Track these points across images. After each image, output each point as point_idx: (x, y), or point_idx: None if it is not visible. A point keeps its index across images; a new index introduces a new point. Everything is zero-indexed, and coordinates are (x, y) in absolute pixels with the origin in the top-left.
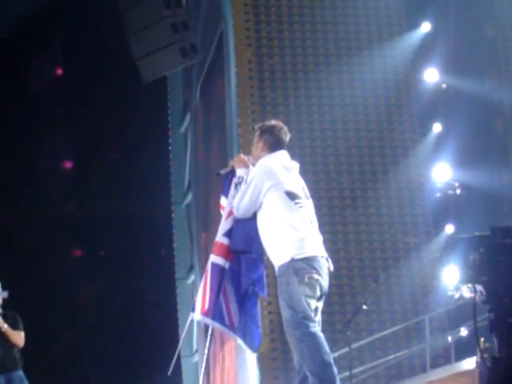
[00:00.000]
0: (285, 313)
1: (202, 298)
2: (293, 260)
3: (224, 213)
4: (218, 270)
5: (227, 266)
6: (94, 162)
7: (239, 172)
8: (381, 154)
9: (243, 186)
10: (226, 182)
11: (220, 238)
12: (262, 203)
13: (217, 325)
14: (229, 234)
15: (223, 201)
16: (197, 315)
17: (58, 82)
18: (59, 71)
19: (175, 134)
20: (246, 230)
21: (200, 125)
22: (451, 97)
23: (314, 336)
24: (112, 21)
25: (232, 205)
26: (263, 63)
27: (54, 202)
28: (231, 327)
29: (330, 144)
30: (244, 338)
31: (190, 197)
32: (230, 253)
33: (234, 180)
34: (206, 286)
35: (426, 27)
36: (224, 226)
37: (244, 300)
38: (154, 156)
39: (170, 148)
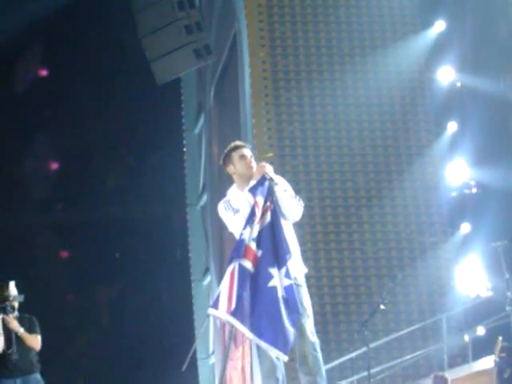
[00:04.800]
0: (310, 321)
1: (227, 297)
2: (305, 273)
3: (259, 213)
4: (245, 273)
5: (252, 270)
6: (108, 164)
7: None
8: (396, 153)
9: (292, 192)
10: (264, 182)
11: (250, 241)
12: None
13: (241, 325)
14: (258, 239)
15: (260, 200)
16: (222, 314)
17: (71, 83)
18: (73, 73)
19: (189, 136)
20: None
21: (214, 126)
22: (466, 95)
23: None
24: (126, 22)
25: (294, 205)
26: (277, 63)
27: (67, 205)
28: (253, 328)
29: (344, 144)
30: (265, 338)
31: (205, 198)
32: (257, 259)
33: (267, 184)
34: (232, 286)
35: (440, 26)
36: (255, 229)
37: (267, 302)
38: (169, 158)
39: (185, 150)
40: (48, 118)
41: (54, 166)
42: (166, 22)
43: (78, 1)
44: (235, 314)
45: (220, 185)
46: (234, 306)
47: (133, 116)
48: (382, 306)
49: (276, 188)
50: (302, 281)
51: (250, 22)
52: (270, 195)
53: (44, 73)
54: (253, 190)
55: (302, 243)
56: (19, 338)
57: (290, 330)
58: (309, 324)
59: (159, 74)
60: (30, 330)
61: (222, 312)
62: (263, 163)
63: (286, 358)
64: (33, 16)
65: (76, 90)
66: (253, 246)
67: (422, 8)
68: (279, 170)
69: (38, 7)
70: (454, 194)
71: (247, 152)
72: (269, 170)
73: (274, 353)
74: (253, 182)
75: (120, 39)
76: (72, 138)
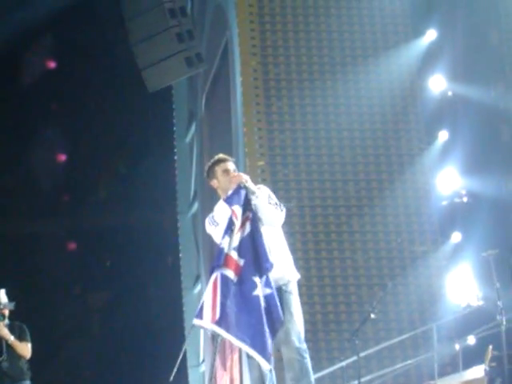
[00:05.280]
0: (296, 328)
1: (211, 306)
2: (297, 280)
3: (238, 222)
4: (227, 282)
5: (235, 279)
6: (99, 171)
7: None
8: (387, 162)
9: (273, 199)
10: (240, 191)
11: (230, 251)
12: None
13: (227, 334)
14: (239, 248)
15: (237, 208)
16: (207, 324)
17: (60, 91)
18: (63, 80)
19: (180, 144)
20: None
21: (205, 134)
22: (457, 104)
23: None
24: (117, 30)
25: (274, 212)
26: (269, 72)
27: (59, 213)
28: (239, 336)
29: (336, 152)
30: (251, 345)
31: (195, 206)
32: (239, 268)
33: (246, 193)
34: (215, 296)
35: (431, 35)
36: (235, 238)
37: (252, 310)
38: (160, 166)
39: (176, 158)
40: (37, 128)
41: (45, 175)
42: (158, 30)
43: (69, 7)
44: (220, 323)
45: (211, 193)
46: (218, 315)
47: (124, 124)
48: (372, 315)
49: (252, 196)
50: (292, 287)
51: (241, 30)
52: (248, 204)
53: (31, 81)
54: (228, 200)
55: (292, 252)
56: (9, 346)
57: (269, 340)
58: (295, 330)
59: (150, 81)
60: (21, 337)
61: (207, 322)
62: (240, 173)
63: (267, 366)
64: (23, 23)
65: (65, 99)
66: (234, 255)
67: (414, 17)
68: (270, 179)
69: (29, 14)
70: (444, 202)
71: (231, 166)
72: (245, 179)
73: (257, 358)
74: (229, 192)
75: (111, 47)
76: (62, 146)
